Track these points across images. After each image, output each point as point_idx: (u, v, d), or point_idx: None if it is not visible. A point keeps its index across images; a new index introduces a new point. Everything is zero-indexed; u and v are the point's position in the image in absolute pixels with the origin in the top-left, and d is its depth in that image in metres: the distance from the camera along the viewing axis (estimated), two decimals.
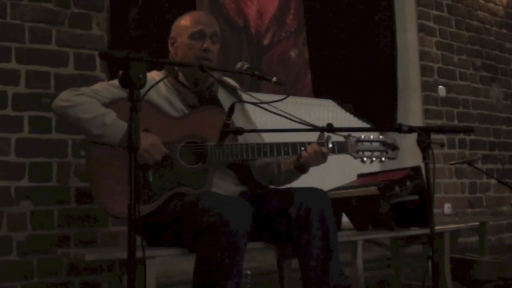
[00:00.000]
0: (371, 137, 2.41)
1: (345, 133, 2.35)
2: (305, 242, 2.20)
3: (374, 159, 2.39)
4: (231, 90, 2.51)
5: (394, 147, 2.43)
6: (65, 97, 2.25)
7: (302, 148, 2.31)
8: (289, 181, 2.49)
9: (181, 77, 2.42)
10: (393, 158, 2.43)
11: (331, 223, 2.23)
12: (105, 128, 2.20)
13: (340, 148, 2.36)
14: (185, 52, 2.39)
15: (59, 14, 2.88)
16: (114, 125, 2.20)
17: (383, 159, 2.41)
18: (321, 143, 2.33)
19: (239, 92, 2.54)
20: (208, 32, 2.39)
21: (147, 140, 2.18)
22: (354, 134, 2.38)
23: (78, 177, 2.82)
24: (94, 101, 2.25)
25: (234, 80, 2.61)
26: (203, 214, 2.04)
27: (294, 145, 2.30)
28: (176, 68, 2.43)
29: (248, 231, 2.05)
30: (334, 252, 2.22)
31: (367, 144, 2.39)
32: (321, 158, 2.32)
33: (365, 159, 2.39)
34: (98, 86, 2.35)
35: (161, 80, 2.23)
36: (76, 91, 2.27)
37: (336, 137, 2.33)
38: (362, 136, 2.40)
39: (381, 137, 2.44)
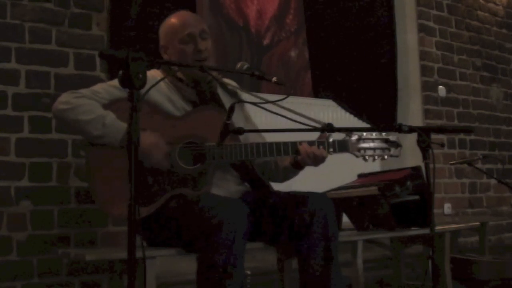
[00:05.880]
0: (373, 135, 2.32)
1: (347, 132, 2.30)
2: (306, 249, 2.19)
3: (376, 157, 2.31)
4: (231, 91, 2.50)
5: (397, 145, 2.34)
6: (65, 100, 2.24)
7: (300, 143, 2.26)
8: (288, 178, 2.48)
9: (179, 73, 2.41)
10: (396, 156, 2.35)
11: (334, 230, 2.21)
12: (105, 128, 2.19)
13: (341, 147, 2.29)
14: (180, 58, 2.36)
15: (59, 14, 2.87)
16: (114, 125, 2.19)
17: (385, 157, 2.33)
18: (321, 142, 2.28)
19: (239, 92, 2.52)
20: (197, 32, 2.37)
21: (148, 139, 2.18)
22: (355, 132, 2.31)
23: (78, 177, 2.82)
24: (93, 102, 2.24)
25: (234, 80, 2.60)
26: (200, 217, 2.04)
27: (294, 144, 2.26)
28: (175, 68, 2.42)
29: (245, 231, 2.04)
30: (334, 261, 2.20)
31: (368, 142, 2.31)
32: (319, 160, 2.29)
33: (367, 157, 2.31)
34: (97, 87, 2.34)
35: (161, 80, 2.21)
36: (75, 93, 2.26)
37: (337, 136, 2.25)
38: (364, 134, 2.32)
39: (383, 134, 2.36)
